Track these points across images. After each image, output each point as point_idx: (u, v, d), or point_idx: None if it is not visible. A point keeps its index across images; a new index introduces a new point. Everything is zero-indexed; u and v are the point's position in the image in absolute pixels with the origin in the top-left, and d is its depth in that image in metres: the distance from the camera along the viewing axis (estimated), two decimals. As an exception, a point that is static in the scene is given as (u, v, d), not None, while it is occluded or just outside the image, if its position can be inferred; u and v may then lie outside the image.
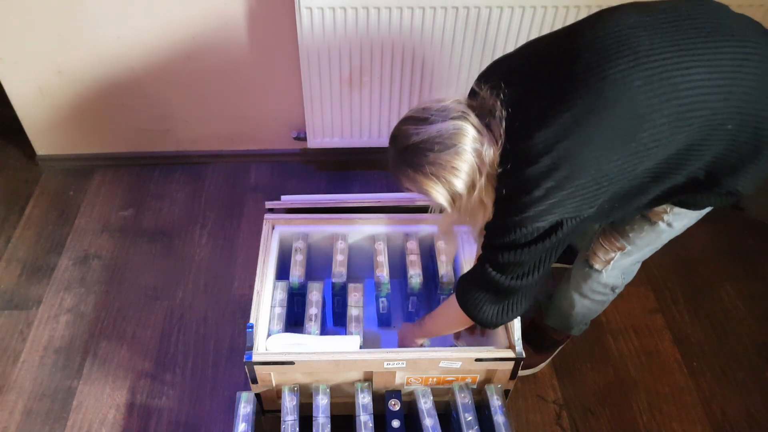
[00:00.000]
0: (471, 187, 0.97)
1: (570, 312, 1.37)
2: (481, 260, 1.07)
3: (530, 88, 0.95)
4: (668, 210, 1.11)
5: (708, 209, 1.11)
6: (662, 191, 1.01)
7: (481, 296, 1.09)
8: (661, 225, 1.13)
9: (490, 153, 0.95)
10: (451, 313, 1.20)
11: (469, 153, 0.94)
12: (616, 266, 1.24)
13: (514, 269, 1.02)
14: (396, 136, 1.00)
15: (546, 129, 0.90)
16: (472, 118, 0.95)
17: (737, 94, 0.91)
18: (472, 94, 1.04)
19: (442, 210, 1.05)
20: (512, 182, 0.95)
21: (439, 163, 0.94)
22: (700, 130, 0.92)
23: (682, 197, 1.05)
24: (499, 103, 0.95)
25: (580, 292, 1.32)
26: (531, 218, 0.94)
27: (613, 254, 1.21)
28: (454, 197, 0.98)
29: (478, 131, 0.95)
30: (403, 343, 1.38)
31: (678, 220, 1.12)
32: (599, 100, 0.89)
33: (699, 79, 0.90)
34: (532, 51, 1.02)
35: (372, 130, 1.88)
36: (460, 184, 0.96)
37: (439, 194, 0.97)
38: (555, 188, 0.91)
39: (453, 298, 1.17)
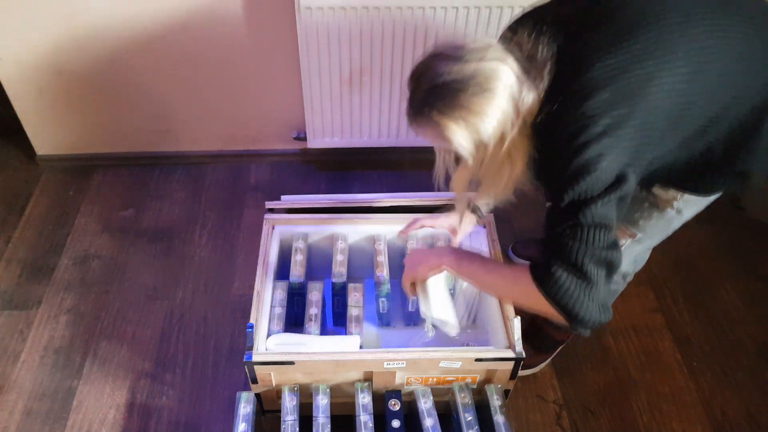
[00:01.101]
0: (500, 137, 0.89)
1: None
2: (551, 239, 0.94)
3: (581, 27, 0.90)
4: (678, 197, 1.10)
5: (716, 195, 1.11)
6: (682, 161, 0.99)
7: (569, 280, 0.93)
8: (671, 212, 1.13)
9: (529, 100, 0.88)
10: (520, 289, 1.01)
11: (505, 99, 0.87)
12: (628, 253, 1.22)
13: (586, 232, 0.90)
14: (422, 73, 0.90)
15: (605, 61, 0.85)
16: (511, 61, 0.88)
17: (764, 69, 0.93)
18: (505, 40, 0.95)
19: (457, 162, 0.97)
20: (564, 124, 0.87)
21: (470, 108, 0.86)
22: (730, 98, 0.92)
23: (695, 178, 1.04)
24: (541, 46, 0.88)
25: None
26: (593, 160, 0.85)
27: (624, 241, 1.20)
28: (479, 147, 0.90)
29: (517, 76, 0.87)
30: (415, 259, 1.23)
31: (687, 207, 1.12)
32: (659, 41, 0.86)
33: (737, 46, 0.90)
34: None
35: (372, 130, 1.88)
36: (489, 131, 0.88)
37: (464, 141, 0.89)
38: (613, 126, 0.85)
39: (526, 276, 0.98)
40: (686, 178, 1.06)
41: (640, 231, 1.18)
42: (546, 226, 0.95)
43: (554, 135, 0.88)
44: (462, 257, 1.14)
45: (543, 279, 0.94)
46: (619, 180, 0.88)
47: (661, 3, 0.90)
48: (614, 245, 0.92)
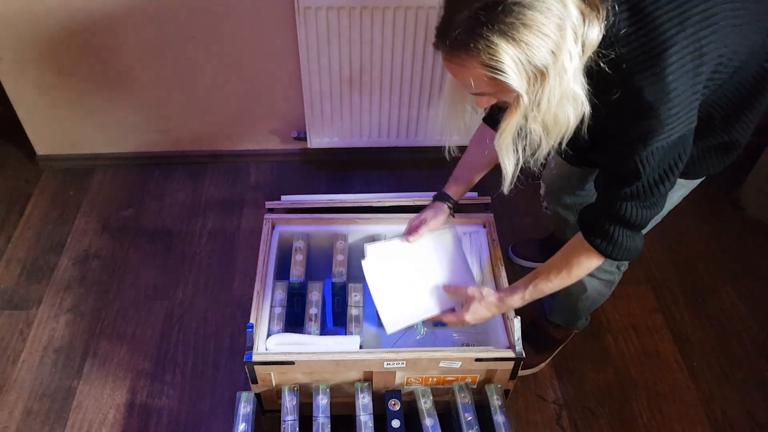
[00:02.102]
0: (562, 68, 0.79)
1: (580, 297, 1.36)
2: (610, 194, 0.97)
3: None
4: None
5: (701, 179, 1.12)
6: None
7: (618, 230, 1.00)
8: None
9: (593, 33, 0.80)
10: (574, 261, 1.08)
11: (568, 28, 0.77)
12: None
13: (648, 192, 0.93)
14: None
15: (669, 4, 0.82)
16: None
17: None
18: None
19: (511, 103, 0.85)
20: (638, 77, 0.82)
21: (536, 27, 0.75)
22: (746, 54, 0.92)
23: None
24: None
25: None
26: (672, 130, 0.85)
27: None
28: (537, 77, 0.79)
29: (577, 5, 0.78)
30: (472, 320, 1.22)
31: (675, 191, 1.12)
32: None
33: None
34: None
35: (372, 130, 1.88)
36: (550, 58, 0.77)
37: (520, 70, 0.78)
38: (689, 82, 0.83)
39: (568, 249, 1.09)
40: None
41: None
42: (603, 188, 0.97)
43: (629, 79, 0.83)
44: (509, 299, 1.17)
45: (604, 247, 1.02)
46: (680, 143, 0.88)
47: None
48: (649, 216, 0.98)
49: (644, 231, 1.06)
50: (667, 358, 1.57)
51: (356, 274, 1.53)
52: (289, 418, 1.20)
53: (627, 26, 0.83)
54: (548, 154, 0.92)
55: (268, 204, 1.49)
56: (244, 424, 1.20)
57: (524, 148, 0.91)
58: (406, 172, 2.01)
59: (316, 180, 2.00)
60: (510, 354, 1.23)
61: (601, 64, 0.83)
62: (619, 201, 0.97)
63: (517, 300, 1.17)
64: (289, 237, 1.48)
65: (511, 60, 0.77)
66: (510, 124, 0.87)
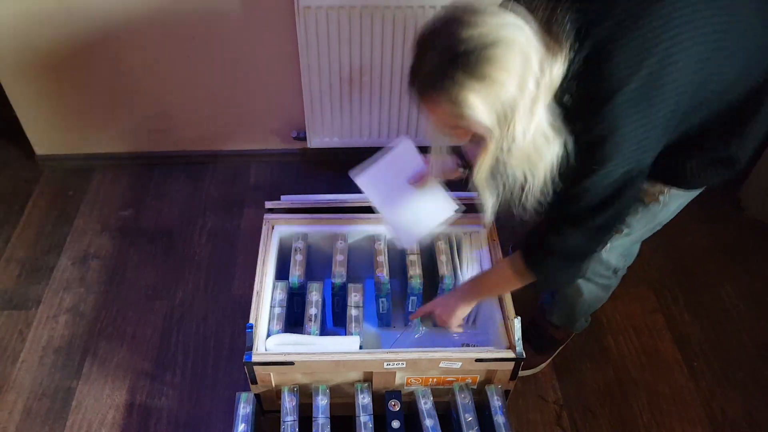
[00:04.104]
0: (529, 109, 0.82)
1: (577, 300, 1.36)
2: (558, 222, 1.01)
3: (593, 1, 0.85)
4: (665, 191, 1.10)
5: (700, 190, 1.11)
6: (672, 150, 0.99)
7: (553, 261, 1.05)
8: (656, 206, 1.13)
9: (556, 70, 0.83)
10: (505, 275, 1.14)
11: (530, 66, 0.80)
12: (616, 247, 1.23)
13: (594, 228, 0.98)
14: (436, 40, 0.82)
15: (624, 48, 0.83)
16: (530, 25, 0.82)
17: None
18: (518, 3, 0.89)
19: (479, 147, 0.88)
20: (590, 118, 0.85)
21: (493, 77, 0.79)
22: (736, 73, 0.92)
23: (682, 166, 1.04)
24: (559, 12, 0.84)
25: (584, 275, 1.31)
26: (616, 165, 0.88)
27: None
28: (506, 112, 0.82)
29: (538, 43, 0.82)
30: (445, 317, 1.27)
31: (673, 201, 1.12)
32: (677, 18, 0.84)
33: (747, 20, 0.90)
34: None
35: (372, 130, 1.88)
36: (516, 94, 0.80)
37: (489, 108, 0.81)
38: (639, 123, 0.85)
39: (507, 261, 1.14)
40: (675, 168, 1.05)
41: (625, 225, 1.18)
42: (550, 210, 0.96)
43: (579, 127, 0.86)
44: (460, 298, 1.24)
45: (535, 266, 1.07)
46: (628, 182, 0.91)
47: None
48: (589, 250, 1.03)
49: (584, 264, 1.08)
50: (667, 358, 1.57)
51: (356, 274, 1.53)
52: (289, 418, 1.20)
53: (584, 64, 0.85)
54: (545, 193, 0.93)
55: (268, 204, 1.49)
56: (243, 424, 1.20)
57: (504, 185, 0.93)
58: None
59: (316, 180, 2.00)
60: (510, 354, 1.23)
61: (563, 99, 0.86)
62: (559, 225, 1.01)
63: (473, 294, 1.25)
64: (288, 237, 1.48)
65: (478, 97, 0.80)
66: (485, 160, 0.89)
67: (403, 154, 1.31)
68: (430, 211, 1.32)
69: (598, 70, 0.84)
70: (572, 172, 0.91)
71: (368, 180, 1.32)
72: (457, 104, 0.81)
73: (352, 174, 1.31)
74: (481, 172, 0.92)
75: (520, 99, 0.81)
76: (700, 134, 0.98)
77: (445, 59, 0.80)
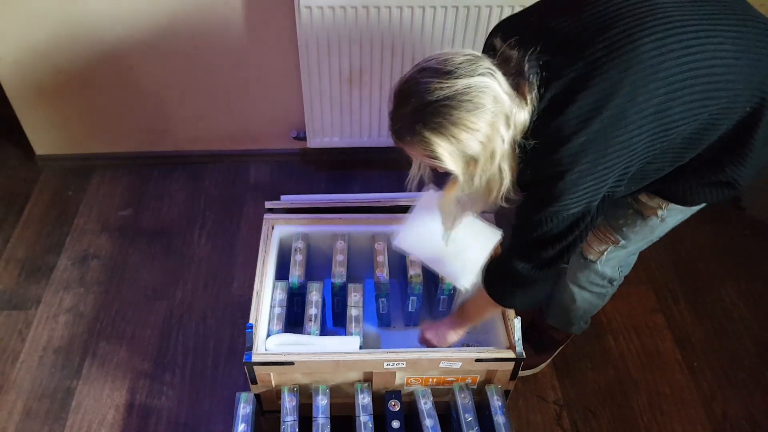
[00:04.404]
0: (491, 154, 0.89)
1: (571, 306, 1.37)
2: (509, 253, 1.06)
3: (559, 52, 0.89)
4: (663, 206, 1.10)
5: (702, 205, 1.11)
6: (668, 173, 1.01)
7: (510, 288, 1.11)
8: (655, 220, 1.13)
9: (521, 117, 0.89)
10: (482, 303, 1.19)
11: (498, 115, 0.86)
12: (611, 258, 1.23)
13: (543, 260, 1.01)
14: (410, 89, 0.88)
15: (579, 102, 0.86)
16: (500, 75, 0.87)
17: (759, 76, 0.91)
18: (489, 49, 0.95)
19: (443, 180, 0.98)
20: (542, 162, 0.90)
21: (462, 125, 0.85)
22: (719, 110, 0.91)
23: (681, 186, 1.04)
24: (527, 62, 0.88)
25: (578, 284, 1.31)
26: (565, 207, 0.93)
27: (606, 246, 1.21)
28: (470, 163, 0.89)
29: (507, 93, 0.87)
30: (436, 344, 1.32)
31: (672, 216, 1.12)
32: (634, 73, 0.86)
33: (727, 56, 0.89)
34: (554, 13, 0.95)
35: (372, 130, 1.88)
36: (479, 149, 0.87)
37: (455, 159, 0.88)
38: (586, 172, 0.89)
39: (483, 289, 1.17)
40: (674, 188, 1.05)
41: (623, 237, 1.18)
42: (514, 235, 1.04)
43: (535, 169, 0.92)
44: (450, 326, 1.29)
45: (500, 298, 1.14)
46: (583, 216, 0.95)
47: (650, 13, 0.88)
48: (545, 278, 1.06)
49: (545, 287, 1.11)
50: (668, 358, 1.57)
51: (356, 274, 1.53)
52: (289, 418, 1.20)
53: (544, 114, 0.90)
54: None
55: (268, 204, 1.49)
56: (243, 424, 1.20)
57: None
58: (406, 172, 1.99)
59: (316, 180, 1.99)
60: (510, 354, 1.23)
61: (524, 143, 0.91)
62: (510, 255, 1.06)
63: (452, 326, 1.30)
64: (288, 237, 1.48)
65: (444, 151, 0.88)
66: (450, 195, 1.03)
67: (429, 203, 1.30)
68: (476, 247, 1.30)
69: (553, 120, 0.88)
70: (523, 207, 0.98)
71: (407, 240, 1.32)
72: (427, 153, 0.90)
73: (393, 243, 1.35)
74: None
75: (483, 152, 0.88)
76: (692, 161, 0.99)
77: (416, 118, 0.87)
